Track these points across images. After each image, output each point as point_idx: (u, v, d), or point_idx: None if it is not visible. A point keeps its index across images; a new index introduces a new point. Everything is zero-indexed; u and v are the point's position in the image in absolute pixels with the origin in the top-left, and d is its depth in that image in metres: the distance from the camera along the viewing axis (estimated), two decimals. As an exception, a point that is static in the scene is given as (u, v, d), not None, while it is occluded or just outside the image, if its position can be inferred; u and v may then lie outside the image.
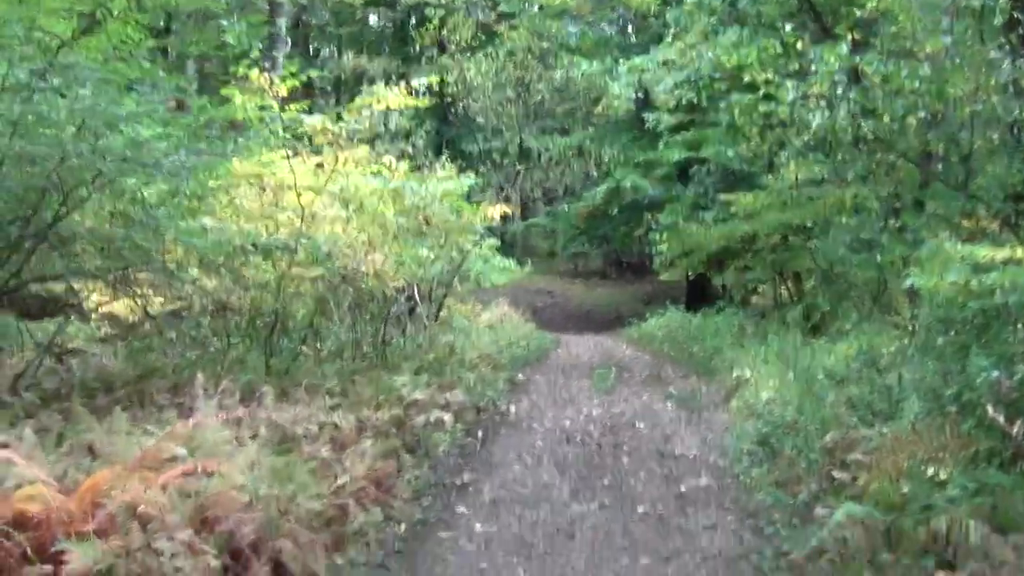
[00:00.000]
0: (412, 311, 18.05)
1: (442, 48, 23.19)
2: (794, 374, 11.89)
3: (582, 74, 22.51)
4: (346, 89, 33.53)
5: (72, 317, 16.02)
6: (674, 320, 25.36)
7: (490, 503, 8.09)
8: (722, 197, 19.98)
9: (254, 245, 11.00)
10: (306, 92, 26.09)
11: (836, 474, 7.53)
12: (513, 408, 13.10)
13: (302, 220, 11.63)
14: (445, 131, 32.35)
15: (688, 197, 25.89)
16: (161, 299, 12.21)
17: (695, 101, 19.03)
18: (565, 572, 6.33)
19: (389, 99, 11.90)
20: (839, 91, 11.36)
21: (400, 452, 8.98)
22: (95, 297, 12.55)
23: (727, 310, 21.86)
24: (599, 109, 24.12)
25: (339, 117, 11.82)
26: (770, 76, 11.54)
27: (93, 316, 14.28)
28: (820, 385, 10.57)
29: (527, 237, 48.03)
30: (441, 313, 18.91)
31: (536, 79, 22.32)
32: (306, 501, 6.27)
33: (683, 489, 8.58)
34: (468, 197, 16.27)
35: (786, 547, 6.58)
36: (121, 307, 12.76)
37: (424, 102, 12.32)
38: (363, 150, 12.37)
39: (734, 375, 14.26)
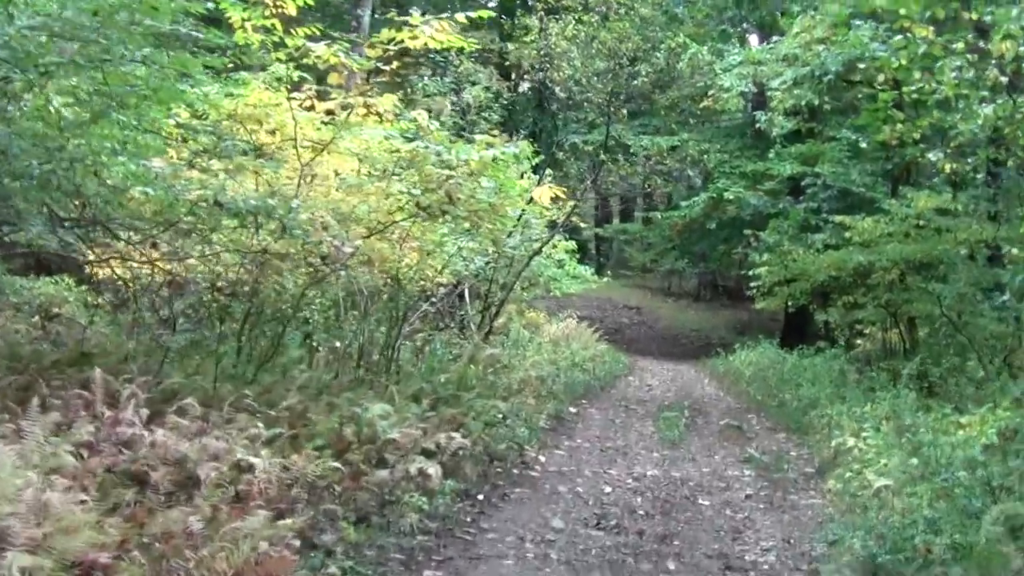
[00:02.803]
0: (461, 316, 15.42)
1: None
2: (917, 457, 8.75)
3: (688, 58, 19.59)
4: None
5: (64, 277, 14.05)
6: (766, 356, 22.80)
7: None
8: (836, 219, 17.20)
9: (218, 203, 8.18)
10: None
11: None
12: (543, 459, 10.09)
13: (299, 181, 9.00)
14: (541, 121, 29.66)
15: (796, 213, 23.27)
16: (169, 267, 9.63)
17: (815, 105, 16.57)
18: None
19: (427, 33, 8.83)
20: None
21: (335, 525, 6.05)
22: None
23: (827, 352, 19.11)
24: (705, 103, 21.19)
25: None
26: (931, 34, 8.34)
27: (94, 278, 12.15)
28: (959, 486, 7.44)
29: (621, 248, 45.72)
30: (498, 321, 16.11)
31: (633, 52, 19.22)
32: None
33: (750, 638, 5.53)
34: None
35: None
36: (124, 270, 10.12)
37: (470, 43, 9.32)
38: (389, 99, 9.47)
39: (833, 442, 11.18)
